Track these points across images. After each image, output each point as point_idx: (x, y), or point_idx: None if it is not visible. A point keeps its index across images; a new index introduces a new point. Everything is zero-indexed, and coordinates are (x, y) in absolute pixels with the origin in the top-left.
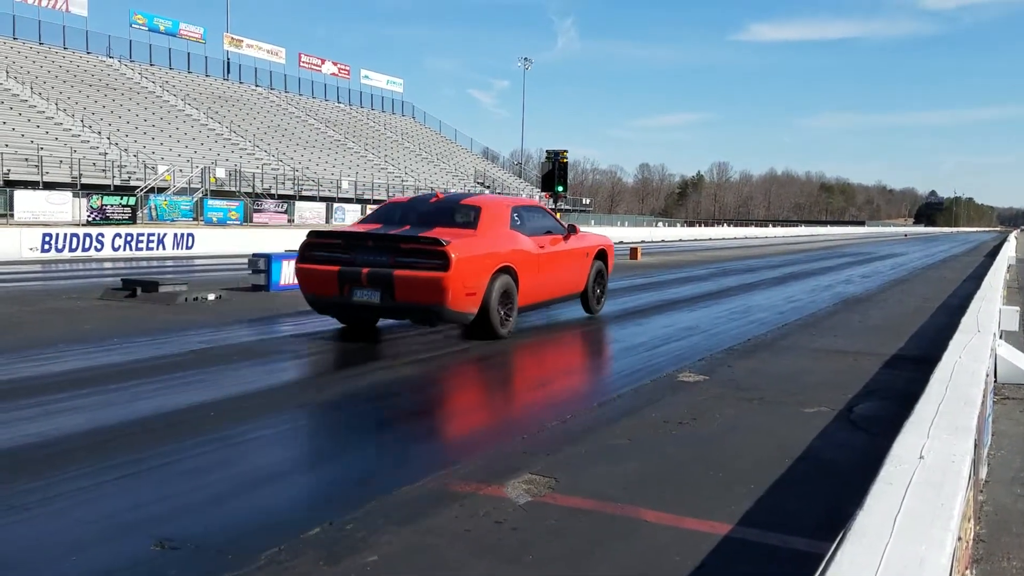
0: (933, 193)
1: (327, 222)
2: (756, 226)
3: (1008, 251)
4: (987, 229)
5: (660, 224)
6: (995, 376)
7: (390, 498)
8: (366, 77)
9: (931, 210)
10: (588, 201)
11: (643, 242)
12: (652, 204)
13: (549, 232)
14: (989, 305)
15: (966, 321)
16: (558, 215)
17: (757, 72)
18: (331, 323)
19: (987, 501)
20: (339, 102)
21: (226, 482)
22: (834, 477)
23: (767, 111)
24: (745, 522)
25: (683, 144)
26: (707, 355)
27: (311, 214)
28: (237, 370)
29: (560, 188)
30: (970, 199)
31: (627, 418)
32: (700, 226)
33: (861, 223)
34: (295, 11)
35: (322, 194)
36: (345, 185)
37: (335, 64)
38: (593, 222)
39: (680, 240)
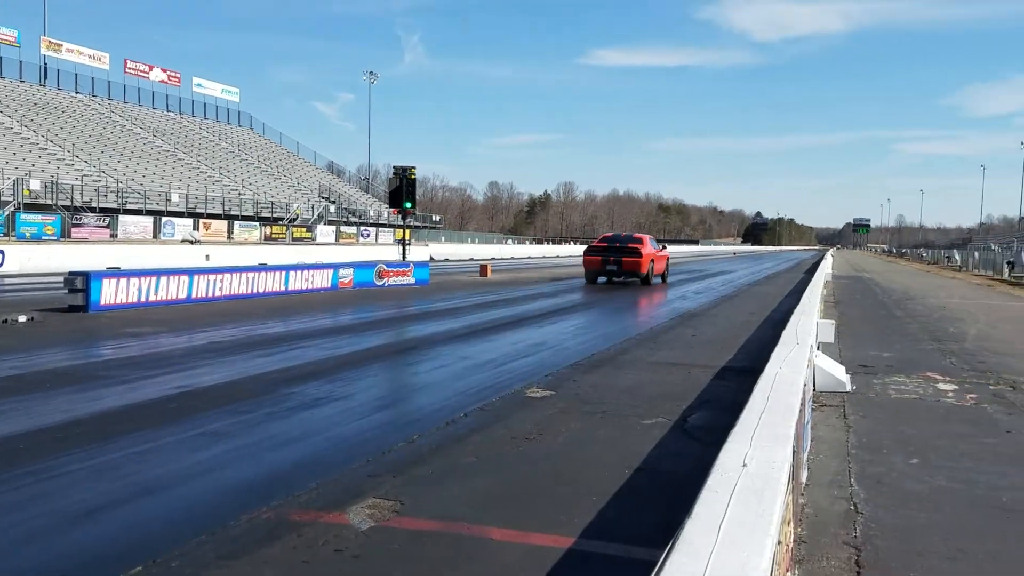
0: (759, 214)
1: (155, 237)
2: None
3: (825, 268)
4: (807, 247)
5: (510, 241)
6: (814, 385)
7: (222, 530)
8: (199, 85)
9: (757, 230)
10: (438, 218)
11: (493, 259)
12: (502, 222)
13: (655, 247)
14: (807, 319)
15: (786, 334)
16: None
17: (602, 95)
18: (162, 344)
19: (808, 504)
20: (168, 111)
21: (42, 519)
22: (670, 486)
23: (611, 133)
24: (589, 534)
25: (532, 163)
26: (554, 371)
27: (137, 229)
28: (53, 397)
29: (408, 204)
30: (792, 220)
31: (475, 435)
32: (548, 243)
33: (695, 242)
34: (122, 15)
35: (149, 207)
36: (175, 198)
37: (164, 71)
38: (443, 238)
39: (529, 257)
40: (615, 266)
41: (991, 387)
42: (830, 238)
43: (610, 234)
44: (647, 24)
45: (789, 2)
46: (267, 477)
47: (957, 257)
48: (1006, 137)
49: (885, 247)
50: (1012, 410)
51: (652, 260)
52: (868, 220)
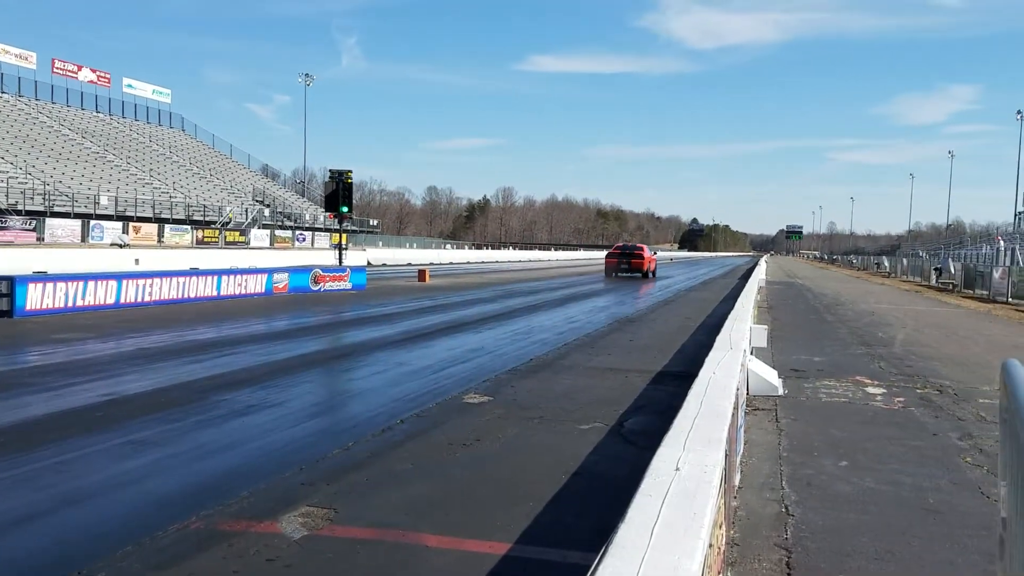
0: (695, 220)
1: (83, 241)
2: (540, 249)
3: (759, 274)
4: (742, 254)
5: (448, 246)
6: (747, 389)
7: (150, 541)
8: (129, 86)
9: (694, 236)
10: (376, 222)
11: (431, 264)
12: (440, 226)
13: (650, 253)
14: (741, 324)
15: (720, 339)
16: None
17: (541, 101)
18: (89, 350)
19: (740, 506)
20: (98, 111)
21: None
22: (607, 490)
23: (550, 139)
24: (525, 540)
25: (470, 168)
26: (492, 376)
27: (64, 232)
28: None
29: (345, 209)
30: (727, 226)
31: (412, 442)
32: (487, 249)
33: None
34: (50, 13)
35: (77, 210)
36: (104, 201)
37: (94, 71)
38: (381, 243)
39: (468, 262)
40: (626, 265)
41: (918, 391)
42: (764, 244)
43: (621, 244)
44: (585, 31)
45: (724, 12)
46: (196, 486)
47: (886, 263)
48: (934, 146)
49: (817, 253)
50: (938, 413)
51: (649, 262)
52: (801, 227)
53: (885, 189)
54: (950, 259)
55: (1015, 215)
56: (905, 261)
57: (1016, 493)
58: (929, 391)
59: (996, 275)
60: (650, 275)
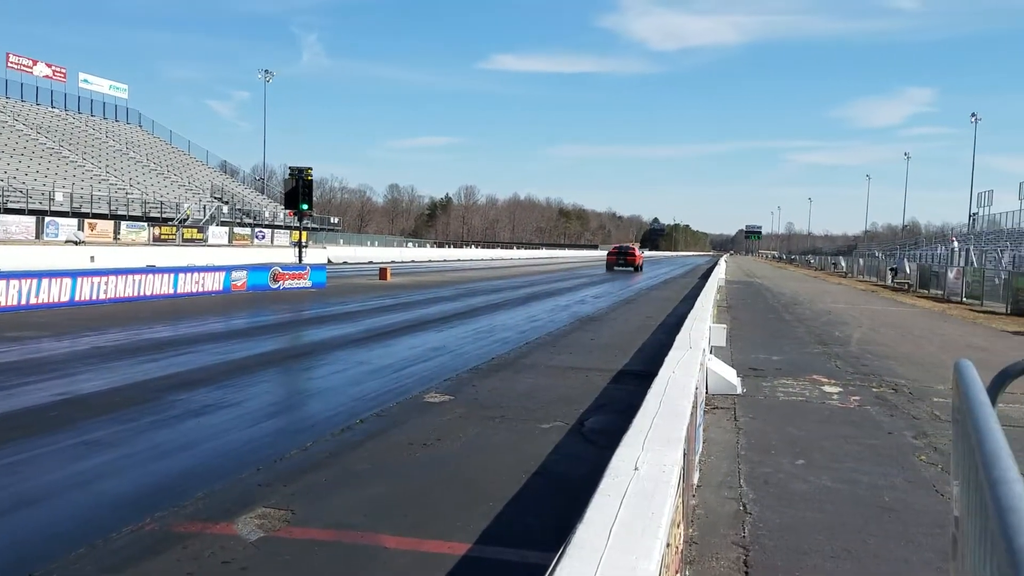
0: (656, 220)
1: (37, 238)
2: (502, 248)
3: (719, 274)
4: (702, 253)
5: (410, 244)
6: (706, 388)
7: (103, 543)
8: (85, 81)
9: (655, 235)
10: (337, 220)
11: (393, 262)
12: (402, 224)
13: (640, 251)
14: (700, 324)
15: (680, 338)
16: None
17: (504, 100)
18: (43, 348)
19: (699, 505)
20: (53, 107)
21: None
22: (567, 489)
23: (513, 138)
24: (484, 540)
25: (433, 166)
26: (453, 375)
27: (19, 229)
28: None
29: (305, 206)
30: (687, 226)
31: (372, 442)
32: (449, 247)
33: (595, 246)
34: (5, 8)
35: (32, 207)
36: (60, 197)
37: (49, 66)
38: (342, 241)
39: (430, 261)
40: (623, 261)
41: (874, 390)
42: (724, 244)
43: (618, 245)
44: (548, 31)
45: (686, 14)
46: (151, 487)
47: (843, 263)
48: (891, 148)
49: (776, 253)
50: (893, 412)
51: (639, 259)
52: (760, 227)
53: (842, 190)
54: (906, 259)
55: (969, 216)
56: (862, 261)
57: (968, 492)
58: (884, 390)
59: (951, 275)
60: (640, 268)
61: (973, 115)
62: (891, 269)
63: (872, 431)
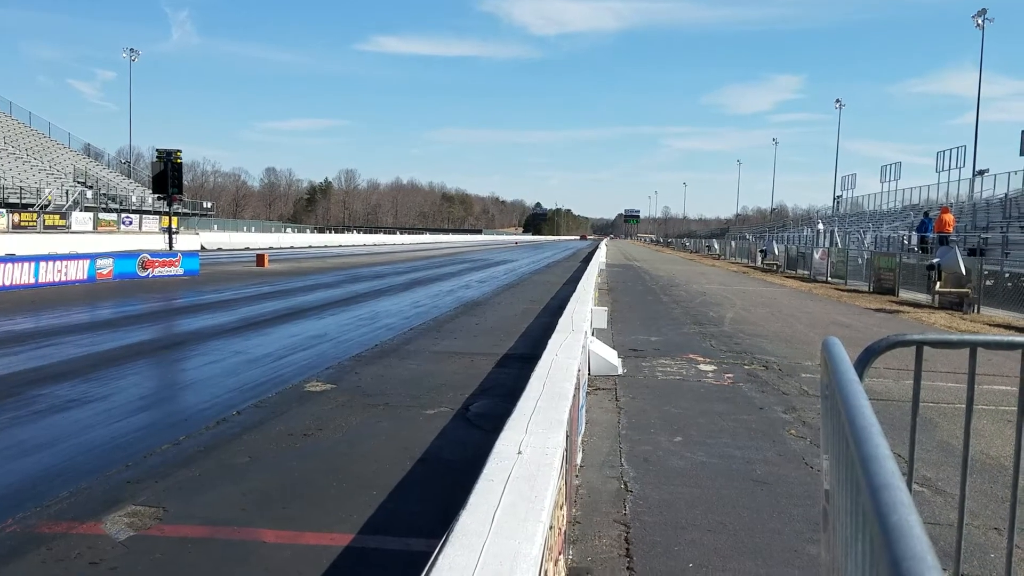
0: (539, 205)
1: None
2: (385, 233)
3: (600, 257)
4: (583, 237)
5: (289, 230)
6: (589, 370)
7: None
8: None
9: (537, 220)
10: (210, 205)
11: (271, 248)
12: (280, 209)
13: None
14: (582, 307)
15: (562, 321)
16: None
17: (384, 83)
18: None
19: (582, 485)
20: None
21: None
22: (452, 475)
23: (394, 122)
24: (367, 530)
25: (311, 150)
26: (335, 363)
27: None
28: None
29: (174, 190)
30: (569, 210)
31: (249, 434)
32: (330, 232)
33: (478, 231)
34: None
35: None
36: None
37: None
38: (216, 227)
39: (310, 247)
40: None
41: (746, 367)
42: (604, 228)
43: (584, 234)
44: (429, 12)
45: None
46: (12, 487)
47: (716, 246)
48: (760, 134)
49: (653, 237)
50: (764, 388)
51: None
52: (638, 211)
53: (716, 175)
54: (774, 241)
55: (834, 199)
56: (734, 244)
57: (839, 467)
58: (756, 367)
59: (816, 256)
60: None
61: (837, 101)
62: (761, 251)
63: (745, 407)
